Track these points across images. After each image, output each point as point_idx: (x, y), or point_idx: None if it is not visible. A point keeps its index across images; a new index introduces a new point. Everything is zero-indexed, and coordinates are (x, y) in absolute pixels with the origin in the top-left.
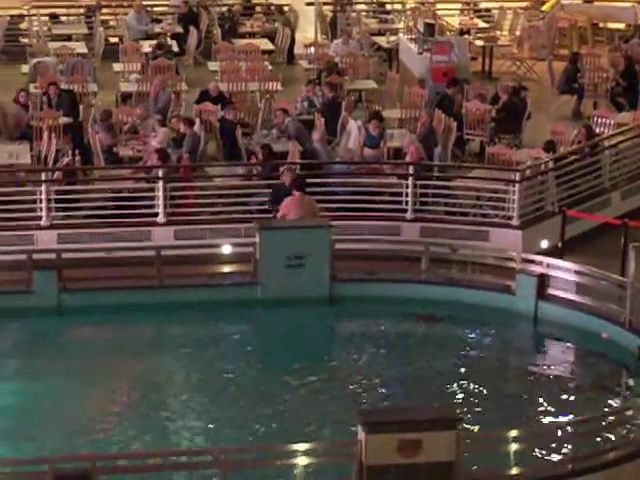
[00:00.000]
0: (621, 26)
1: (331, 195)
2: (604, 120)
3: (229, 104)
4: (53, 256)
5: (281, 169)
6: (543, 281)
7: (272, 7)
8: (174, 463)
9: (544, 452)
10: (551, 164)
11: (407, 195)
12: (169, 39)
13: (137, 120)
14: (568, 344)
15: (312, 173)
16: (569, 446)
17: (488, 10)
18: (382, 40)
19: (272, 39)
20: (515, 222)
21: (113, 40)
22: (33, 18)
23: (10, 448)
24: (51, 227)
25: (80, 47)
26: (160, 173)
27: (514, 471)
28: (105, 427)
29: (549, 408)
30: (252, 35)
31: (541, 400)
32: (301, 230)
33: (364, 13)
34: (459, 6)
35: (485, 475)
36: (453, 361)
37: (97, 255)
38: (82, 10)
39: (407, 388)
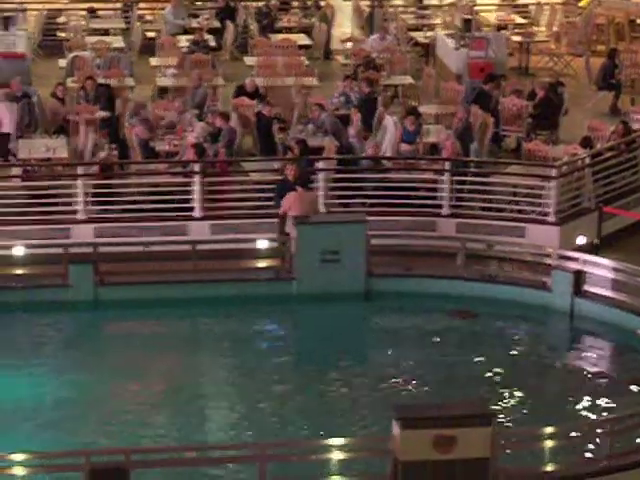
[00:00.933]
0: None
1: (367, 190)
2: None
3: (264, 99)
4: (90, 250)
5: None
6: (579, 277)
7: (309, 2)
8: (210, 457)
9: (579, 449)
10: (588, 160)
11: (443, 191)
12: (206, 34)
13: (175, 114)
14: (604, 341)
15: (348, 168)
16: (605, 443)
17: (525, 6)
18: (419, 35)
19: (309, 34)
20: (552, 218)
21: (150, 35)
22: (71, 12)
23: (49, 441)
24: (88, 221)
25: (117, 41)
26: (196, 168)
27: (549, 468)
28: (141, 421)
29: (585, 405)
30: (289, 30)
31: (577, 397)
32: (337, 225)
33: (401, 8)
34: (496, 2)
35: (520, 472)
36: (488, 357)
37: (133, 249)
38: (119, 5)
39: (442, 384)
